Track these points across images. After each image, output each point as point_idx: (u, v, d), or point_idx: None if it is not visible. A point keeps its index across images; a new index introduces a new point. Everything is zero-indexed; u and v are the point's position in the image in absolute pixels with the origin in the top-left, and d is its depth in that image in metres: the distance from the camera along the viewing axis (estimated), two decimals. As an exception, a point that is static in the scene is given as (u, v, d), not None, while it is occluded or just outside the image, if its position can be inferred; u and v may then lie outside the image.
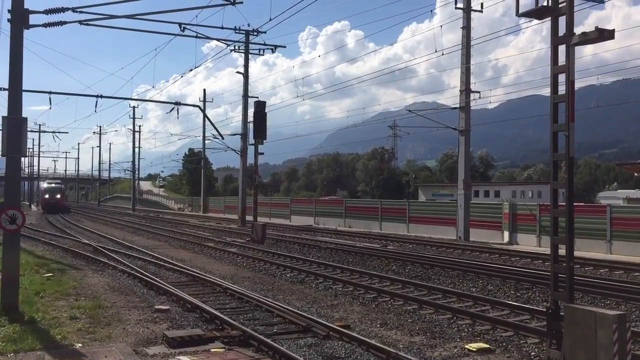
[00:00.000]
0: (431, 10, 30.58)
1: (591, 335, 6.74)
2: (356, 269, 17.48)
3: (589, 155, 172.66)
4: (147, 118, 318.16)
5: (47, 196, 65.41)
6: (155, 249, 24.06)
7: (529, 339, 9.48)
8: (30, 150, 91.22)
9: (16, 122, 10.78)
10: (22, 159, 11.90)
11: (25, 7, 11.14)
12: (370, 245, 25.57)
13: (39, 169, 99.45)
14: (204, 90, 63.10)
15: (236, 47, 37.42)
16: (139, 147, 77.93)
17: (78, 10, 13.00)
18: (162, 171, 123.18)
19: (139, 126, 78.42)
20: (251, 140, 32.17)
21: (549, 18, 7.78)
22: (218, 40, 34.96)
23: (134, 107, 73.81)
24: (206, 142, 63.62)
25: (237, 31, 35.58)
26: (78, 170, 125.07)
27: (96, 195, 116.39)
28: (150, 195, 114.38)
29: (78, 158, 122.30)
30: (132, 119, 74.65)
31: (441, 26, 28.78)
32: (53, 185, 69.78)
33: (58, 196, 65.28)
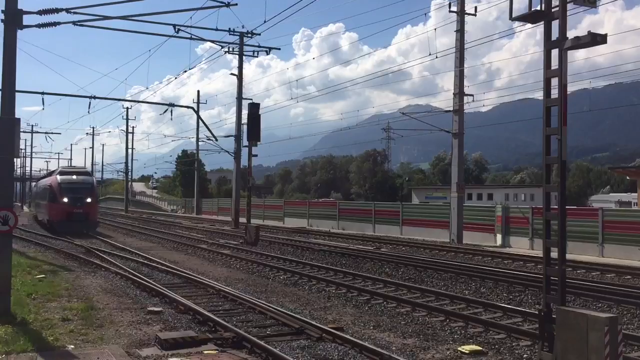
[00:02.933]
0: (425, 14, 30.61)
1: (583, 337, 6.77)
2: (349, 271, 17.49)
3: (581, 158, 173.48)
4: (140, 119, 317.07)
5: (65, 200, 33.30)
6: (148, 251, 23.98)
7: (521, 341, 9.52)
8: (23, 151, 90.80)
9: (9, 123, 10.74)
10: (15, 159, 11.85)
11: (19, 7, 11.11)
12: (363, 248, 25.59)
13: (31, 170, 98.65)
14: (198, 91, 63.04)
15: (230, 49, 37.40)
16: (132, 149, 77.61)
17: (72, 11, 12.99)
18: (156, 172, 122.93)
19: (133, 127, 78.10)
20: (245, 142, 32.16)
21: (542, 22, 7.83)
22: (212, 41, 34.96)
23: (127, 108, 73.67)
24: (200, 143, 63.44)
25: (231, 33, 35.59)
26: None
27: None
28: (143, 196, 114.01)
29: (71, 159, 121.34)
30: (125, 120, 74.53)
31: (435, 29, 28.83)
32: (75, 178, 35.26)
33: (88, 200, 34.05)
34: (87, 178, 36.35)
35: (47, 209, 35.59)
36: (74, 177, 35.41)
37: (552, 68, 7.68)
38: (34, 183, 49.57)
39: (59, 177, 34.98)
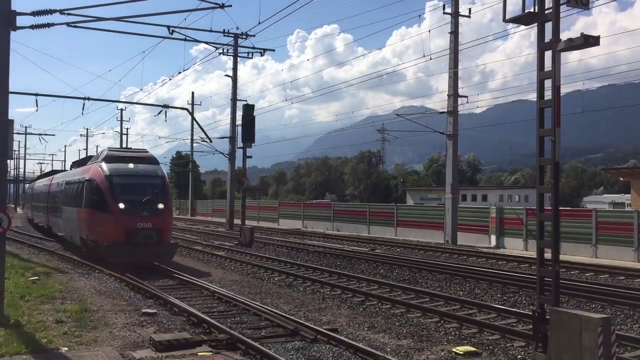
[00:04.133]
0: (420, 15, 30.62)
1: (576, 338, 6.79)
2: (344, 273, 17.49)
3: (575, 160, 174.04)
4: (134, 120, 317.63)
5: (122, 206, 18.28)
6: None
7: (515, 342, 9.54)
8: (16, 152, 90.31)
9: (2, 125, 10.69)
10: (8, 161, 11.80)
11: (12, 8, 11.06)
12: (358, 249, 25.59)
13: (24, 172, 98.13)
14: (192, 93, 62.95)
15: (225, 50, 37.39)
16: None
17: (66, 12, 12.91)
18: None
19: (127, 129, 77.92)
20: (239, 143, 32.18)
21: (536, 24, 7.85)
22: (207, 43, 34.99)
23: (121, 110, 73.41)
24: (194, 145, 63.37)
25: (226, 34, 35.59)
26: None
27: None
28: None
29: (65, 161, 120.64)
30: (119, 122, 74.24)
31: (429, 31, 28.85)
32: (133, 168, 19.83)
33: (160, 206, 18.90)
34: (154, 168, 20.63)
35: (85, 220, 20.03)
36: (131, 165, 20.05)
37: (546, 70, 7.70)
38: (45, 179, 36.41)
39: (105, 167, 19.56)
